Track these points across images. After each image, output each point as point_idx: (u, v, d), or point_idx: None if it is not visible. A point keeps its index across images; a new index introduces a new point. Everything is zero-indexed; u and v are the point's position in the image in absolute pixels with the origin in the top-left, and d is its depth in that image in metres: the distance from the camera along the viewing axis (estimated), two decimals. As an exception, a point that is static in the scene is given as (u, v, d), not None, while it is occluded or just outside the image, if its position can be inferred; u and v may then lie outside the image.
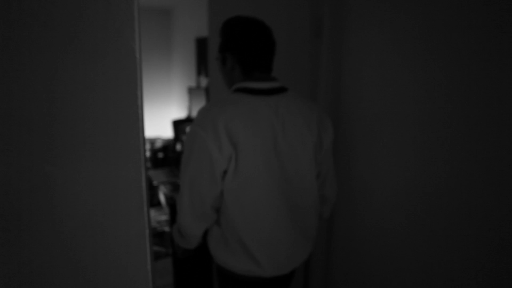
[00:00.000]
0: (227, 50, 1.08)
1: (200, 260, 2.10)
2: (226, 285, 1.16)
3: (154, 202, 3.19)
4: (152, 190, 2.91)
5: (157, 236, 2.93)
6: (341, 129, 1.41)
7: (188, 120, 3.43)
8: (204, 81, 3.46)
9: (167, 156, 3.41)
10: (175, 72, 4.80)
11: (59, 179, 0.39)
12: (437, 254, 1.02)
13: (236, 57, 1.06)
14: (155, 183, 2.80)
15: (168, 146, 3.46)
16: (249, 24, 1.06)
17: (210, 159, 0.96)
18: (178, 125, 3.48)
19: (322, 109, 1.17)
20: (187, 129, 2.68)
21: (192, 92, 3.49)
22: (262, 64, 1.07)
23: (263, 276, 1.08)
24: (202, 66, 3.54)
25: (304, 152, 1.07)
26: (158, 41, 4.66)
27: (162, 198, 2.74)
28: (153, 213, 3.15)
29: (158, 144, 3.72)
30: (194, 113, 3.43)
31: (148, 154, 3.57)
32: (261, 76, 1.07)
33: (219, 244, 1.10)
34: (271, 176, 1.03)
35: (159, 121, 4.43)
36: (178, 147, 3.34)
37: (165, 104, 4.78)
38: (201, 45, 3.46)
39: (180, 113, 4.37)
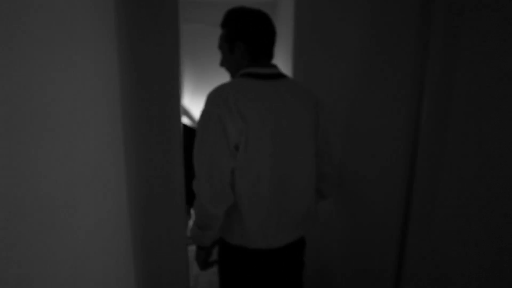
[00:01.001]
0: (238, 39, 1.13)
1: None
2: (225, 255, 1.22)
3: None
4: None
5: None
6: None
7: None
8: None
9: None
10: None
11: None
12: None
13: (247, 46, 1.13)
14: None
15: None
16: (257, 15, 1.13)
17: (225, 132, 1.02)
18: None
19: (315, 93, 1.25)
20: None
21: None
22: (267, 52, 1.15)
23: (253, 247, 1.14)
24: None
25: (303, 129, 1.15)
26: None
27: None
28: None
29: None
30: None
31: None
32: (265, 62, 1.15)
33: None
34: (274, 152, 1.09)
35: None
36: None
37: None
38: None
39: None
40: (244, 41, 1.12)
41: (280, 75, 1.15)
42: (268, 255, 1.17)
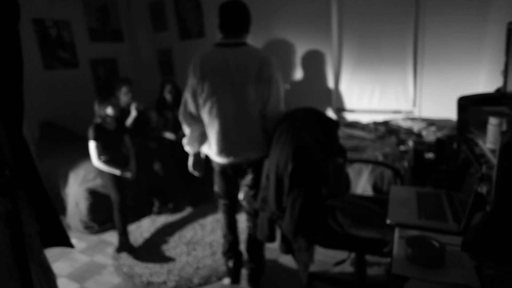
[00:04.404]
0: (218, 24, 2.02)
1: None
2: (209, 166, 2.26)
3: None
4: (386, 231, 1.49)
5: None
6: None
7: (488, 99, 1.68)
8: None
9: (438, 161, 1.84)
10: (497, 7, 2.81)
11: None
12: None
13: (219, 28, 1.97)
14: (389, 221, 1.44)
15: (444, 141, 1.86)
16: (224, 7, 1.91)
17: (192, 83, 1.98)
18: (466, 105, 1.79)
19: (269, 55, 1.94)
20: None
21: None
22: (230, 30, 1.94)
23: (221, 162, 2.09)
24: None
25: (247, 78, 1.87)
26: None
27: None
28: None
29: (430, 137, 2.17)
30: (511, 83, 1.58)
31: (404, 148, 2.13)
32: (230, 35, 1.94)
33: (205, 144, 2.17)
34: (227, 96, 1.90)
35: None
36: (455, 145, 1.69)
37: (473, 68, 2.97)
38: None
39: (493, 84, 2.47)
40: (218, 25, 1.97)
41: (241, 44, 1.93)
42: (223, 166, 2.11)
